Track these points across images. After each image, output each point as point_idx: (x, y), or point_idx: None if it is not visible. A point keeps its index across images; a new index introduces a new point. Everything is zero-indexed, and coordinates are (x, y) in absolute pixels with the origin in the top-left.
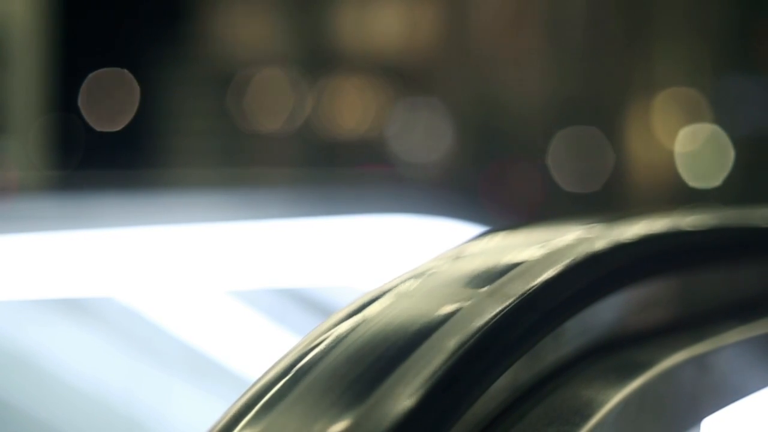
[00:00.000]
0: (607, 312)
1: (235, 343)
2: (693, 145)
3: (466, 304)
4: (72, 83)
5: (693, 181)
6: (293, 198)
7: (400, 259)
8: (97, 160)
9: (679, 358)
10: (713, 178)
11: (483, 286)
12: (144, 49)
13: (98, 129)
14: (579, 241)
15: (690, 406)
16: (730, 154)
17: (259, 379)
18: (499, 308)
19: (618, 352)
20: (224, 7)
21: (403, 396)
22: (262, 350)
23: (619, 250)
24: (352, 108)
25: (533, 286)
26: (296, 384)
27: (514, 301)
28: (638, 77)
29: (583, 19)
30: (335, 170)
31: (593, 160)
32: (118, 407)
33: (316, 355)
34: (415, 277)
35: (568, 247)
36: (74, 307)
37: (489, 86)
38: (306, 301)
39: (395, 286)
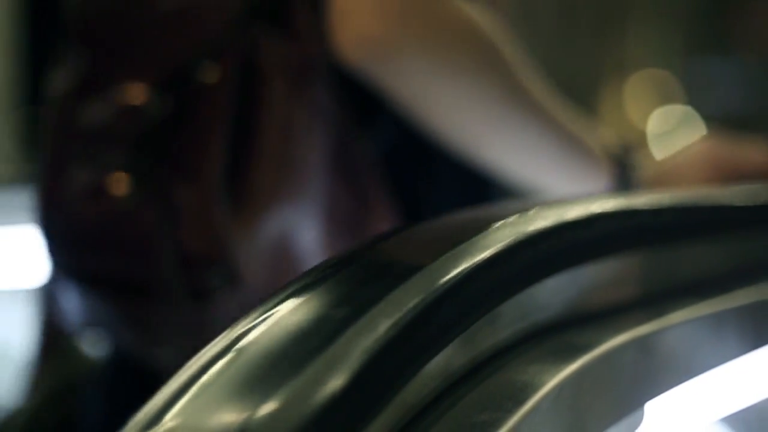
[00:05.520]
0: (549, 295)
1: None
2: (666, 126)
3: (397, 286)
4: (49, 75)
5: None
6: None
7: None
8: None
9: (621, 340)
10: None
11: (416, 269)
12: None
13: None
14: (515, 223)
15: (632, 389)
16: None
17: (188, 365)
18: (429, 290)
19: (558, 336)
20: None
21: (330, 380)
22: None
23: (557, 231)
24: None
25: (465, 269)
26: (225, 369)
27: (444, 283)
28: (610, 58)
29: (555, 1)
30: None
31: None
32: None
33: (246, 339)
34: (348, 261)
35: (504, 229)
36: None
37: None
38: None
39: (327, 270)
